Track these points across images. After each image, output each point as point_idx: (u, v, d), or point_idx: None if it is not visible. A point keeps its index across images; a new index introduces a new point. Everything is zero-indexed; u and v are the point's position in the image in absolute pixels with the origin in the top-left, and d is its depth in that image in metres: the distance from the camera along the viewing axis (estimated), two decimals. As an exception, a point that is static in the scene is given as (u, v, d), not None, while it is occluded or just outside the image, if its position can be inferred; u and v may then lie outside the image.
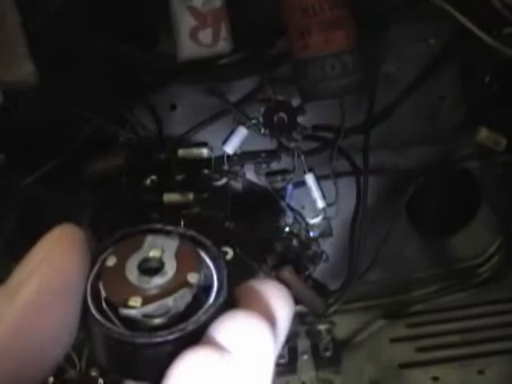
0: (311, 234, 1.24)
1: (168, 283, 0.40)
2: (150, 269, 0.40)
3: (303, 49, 1.04)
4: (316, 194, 1.20)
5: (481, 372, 1.12)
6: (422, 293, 1.31)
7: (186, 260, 0.41)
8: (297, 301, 1.19)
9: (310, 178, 1.21)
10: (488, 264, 1.31)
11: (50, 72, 0.98)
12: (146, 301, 0.38)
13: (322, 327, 1.16)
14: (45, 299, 0.36)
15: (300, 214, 1.24)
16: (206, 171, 1.20)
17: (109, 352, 0.40)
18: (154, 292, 0.39)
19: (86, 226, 1.17)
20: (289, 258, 1.22)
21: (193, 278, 0.40)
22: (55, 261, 0.36)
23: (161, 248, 0.41)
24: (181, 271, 0.40)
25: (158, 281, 0.40)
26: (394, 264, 1.32)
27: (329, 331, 1.15)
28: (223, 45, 1.02)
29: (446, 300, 1.29)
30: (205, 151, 1.19)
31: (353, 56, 1.04)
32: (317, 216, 1.23)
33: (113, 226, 1.22)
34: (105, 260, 0.41)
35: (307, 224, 1.24)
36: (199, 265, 0.41)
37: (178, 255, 0.41)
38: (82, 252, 0.39)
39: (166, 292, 0.39)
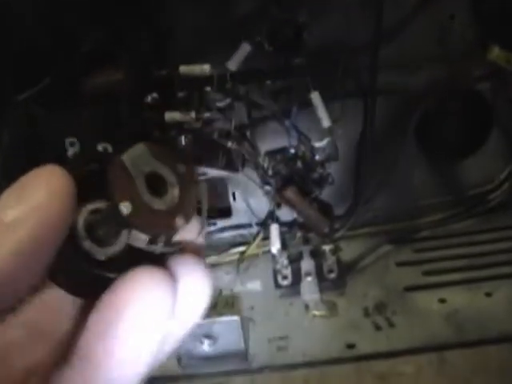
0: (317, 157, 1.19)
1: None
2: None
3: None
4: (321, 112, 1.15)
5: (488, 294, 1.08)
6: (429, 219, 1.27)
7: None
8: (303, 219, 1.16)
9: (315, 97, 1.16)
10: (497, 191, 1.27)
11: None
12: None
13: (326, 247, 1.12)
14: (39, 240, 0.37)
15: (305, 136, 1.19)
16: (208, 89, 1.14)
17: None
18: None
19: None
20: (293, 180, 1.18)
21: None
22: (48, 210, 0.36)
23: None
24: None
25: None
26: (401, 190, 1.28)
27: (333, 252, 1.12)
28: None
29: (454, 227, 1.25)
30: (207, 68, 1.14)
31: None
32: (322, 139, 1.18)
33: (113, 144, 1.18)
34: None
35: (313, 147, 1.19)
36: None
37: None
38: (71, 201, 0.38)
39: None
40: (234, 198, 1.31)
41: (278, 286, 1.15)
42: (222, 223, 1.32)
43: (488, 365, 0.96)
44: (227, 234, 1.31)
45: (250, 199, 1.28)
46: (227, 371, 1.00)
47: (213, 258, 1.26)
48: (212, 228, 1.32)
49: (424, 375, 0.98)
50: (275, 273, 1.14)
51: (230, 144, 1.13)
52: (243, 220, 1.30)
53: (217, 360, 1.00)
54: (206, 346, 1.00)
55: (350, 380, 0.98)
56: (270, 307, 1.14)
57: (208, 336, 1.00)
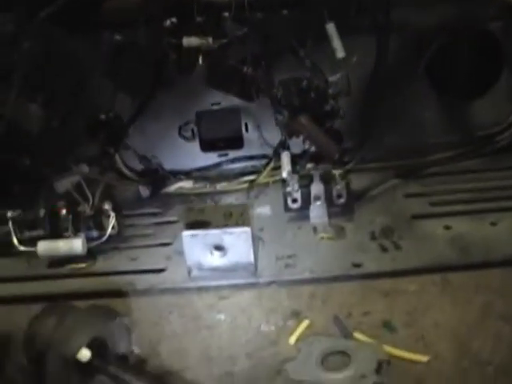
0: (330, 90, 1.22)
1: None
2: None
3: None
4: (336, 43, 1.18)
5: (493, 224, 1.11)
6: (438, 157, 1.29)
7: None
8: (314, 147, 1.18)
9: (331, 28, 1.18)
10: (506, 132, 1.28)
11: None
12: None
13: (336, 172, 1.14)
14: None
15: (319, 69, 1.21)
16: (226, 14, 1.17)
17: None
18: None
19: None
20: (306, 110, 1.21)
21: None
22: None
23: None
24: None
25: None
26: (411, 127, 1.30)
27: (343, 177, 1.14)
28: None
29: (462, 165, 1.27)
30: None
31: None
32: (336, 73, 1.21)
33: (129, 70, 1.21)
34: None
35: (326, 80, 1.22)
36: None
37: None
38: None
39: None
40: (247, 129, 1.33)
41: (287, 209, 1.17)
42: (233, 154, 1.33)
43: (490, 286, 0.98)
44: (239, 165, 1.33)
45: (262, 130, 1.30)
46: (235, 284, 1.02)
47: (223, 185, 1.28)
48: (223, 158, 1.34)
49: (427, 294, 1.01)
50: (285, 196, 1.17)
51: (245, 69, 1.13)
52: (255, 151, 1.32)
53: (226, 272, 1.02)
54: (215, 258, 1.02)
55: (355, 296, 1.01)
56: (279, 229, 1.17)
57: (218, 247, 1.02)
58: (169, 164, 1.34)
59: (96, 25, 1.21)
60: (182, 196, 1.30)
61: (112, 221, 1.09)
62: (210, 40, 1.18)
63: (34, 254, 1.16)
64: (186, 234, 1.00)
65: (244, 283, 1.04)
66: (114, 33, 1.22)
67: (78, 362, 0.78)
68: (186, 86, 1.27)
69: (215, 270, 1.03)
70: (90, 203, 1.12)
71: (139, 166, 1.33)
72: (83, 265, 1.12)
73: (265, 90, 1.22)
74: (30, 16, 1.11)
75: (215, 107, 1.31)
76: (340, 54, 1.17)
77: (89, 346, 0.79)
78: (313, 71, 1.22)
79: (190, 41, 1.18)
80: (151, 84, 1.25)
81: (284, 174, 1.17)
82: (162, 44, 1.21)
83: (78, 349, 0.78)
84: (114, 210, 1.10)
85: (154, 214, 1.25)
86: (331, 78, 1.22)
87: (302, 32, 1.22)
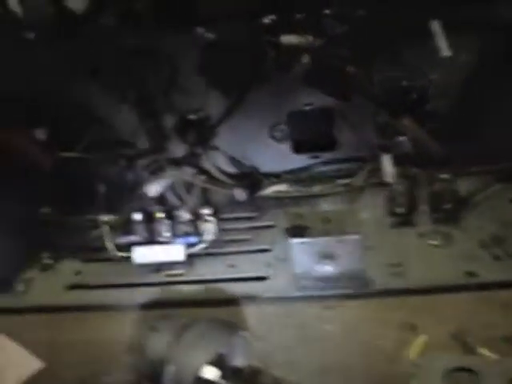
0: (431, 90, 1.16)
1: None
2: None
3: None
4: (441, 42, 1.12)
5: None
6: None
7: None
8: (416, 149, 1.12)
9: (435, 26, 1.12)
10: None
11: None
12: None
13: (443, 176, 1.08)
14: None
15: (421, 69, 1.15)
16: (327, 11, 1.11)
17: None
18: None
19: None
20: (407, 111, 1.15)
21: None
22: None
23: None
24: None
25: None
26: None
27: (450, 182, 1.08)
28: None
29: None
30: None
31: None
32: (438, 73, 1.15)
33: (223, 68, 1.15)
34: None
35: (429, 80, 1.15)
36: None
37: None
38: None
39: None
40: (341, 130, 1.27)
41: (392, 213, 1.11)
42: (325, 156, 1.27)
43: None
44: (331, 168, 1.27)
45: (356, 132, 1.24)
46: (343, 294, 0.97)
47: (318, 188, 1.22)
48: (316, 160, 1.28)
49: None
50: (390, 201, 1.11)
51: (348, 68, 1.08)
52: (348, 153, 1.26)
53: (333, 281, 0.96)
54: (324, 267, 0.97)
55: (472, 307, 0.96)
56: (383, 235, 1.11)
57: (327, 256, 0.97)
58: (258, 166, 1.26)
59: (190, 21, 1.14)
60: (276, 199, 1.22)
61: (212, 226, 1.03)
62: (310, 38, 1.10)
63: (127, 260, 1.08)
64: (295, 241, 0.94)
65: (352, 293, 0.97)
66: (208, 30, 1.15)
67: (200, 379, 0.73)
68: (279, 86, 1.20)
69: (322, 278, 0.96)
70: (188, 207, 1.05)
71: (229, 168, 1.25)
72: (180, 271, 1.06)
73: (365, 90, 1.15)
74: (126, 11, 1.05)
75: (308, 107, 1.24)
76: (445, 52, 1.11)
77: (211, 362, 0.73)
78: (415, 71, 1.14)
79: (289, 38, 1.12)
80: (245, 83, 1.18)
81: (388, 178, 1.11)
82: (258, 41, 1.14)
83: (201, 365, 0.72)
84: (214, 214, 1.03)
85: (249, 218, 1.19)
86: (433, 78, 1.14)
87: (404, 30, 1.13)
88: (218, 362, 0.77)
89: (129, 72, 1.18)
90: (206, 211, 1.06)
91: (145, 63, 1.20)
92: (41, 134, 1.07)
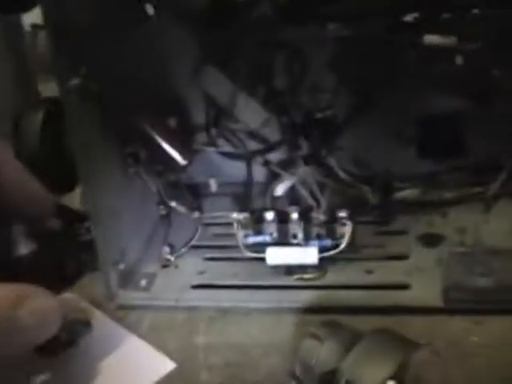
0: None
1: None
2: None
3: None
4: None
5: None
6: None
7: None
8: None
9: None
10: None
11: None
12: None
13: None
14: None
15: None
16: (475, 11, 1.05)
17: None
18: None
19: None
20: None
21: None
22: None
23: None
24: None
25: None
26: None
27: None
28: None
29: None
30: None
31: None
32: None
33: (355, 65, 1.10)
34: None
35: None
36: None
37: None
38: None
39: None
40: (472, 136, 1.20)
41: None
42: (454, 162, 1.21)
43: None
44: (460, 175, 1.21)
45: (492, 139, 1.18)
46: (496, 308, 0.91)
47: (449, 195, 1.16)
48: (442, 167, 1.22)
49: None
50: None
51: (493, 71, 1.02)
52: (479, 160, 1.19)
53: (486, 295, 0.90)
54: (477, 279, 0.91)
55: None
56: None
57: (481, 267, 0.91)
58: (385, 169, 1.20)
59: (322, 17, 1.09)
60: (404, 205, 1.16)
61: (348, 230, 0.97)
62: (455, 39, 1.04)
63: (257, 261, 1.04)
64: (452, 251, 0.88)
65: (507, 308, 0.91)
66: (344, 26, 1.09)
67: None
68: (411, 87, 1.14)
69: (475, 291, 0.90)
70: (322, 209, 1.00)
71: (356, 170, 1.19)
72: (312, 275, 1.00)
73: (507, 95, 1.09)
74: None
75: (438, 111, 1.18)
76: None
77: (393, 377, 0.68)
78: None
79: (431, 38, 1.06)
80: (376, 83, 1.12)
81: None
82: (396, 40, 1.08)
83: (384, 380, 0.67)
84: (350, 218, 0.98)
85: (380, 223, 1.12)
86: None
87: None
88: (398, 377, 0.70)
89: (260, 65, 1.12)
90: (342, 214, 0.99)
91: (277, 57, 1.13)
92: (172, 122, 1.02)
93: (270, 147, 1.15)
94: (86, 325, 0.89)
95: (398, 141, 1.23)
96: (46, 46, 0.88)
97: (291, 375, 0.79)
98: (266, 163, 1.09)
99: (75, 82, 0.89)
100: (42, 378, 0.85)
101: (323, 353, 0.76)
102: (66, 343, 0.86)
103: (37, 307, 0.66)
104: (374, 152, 1.22)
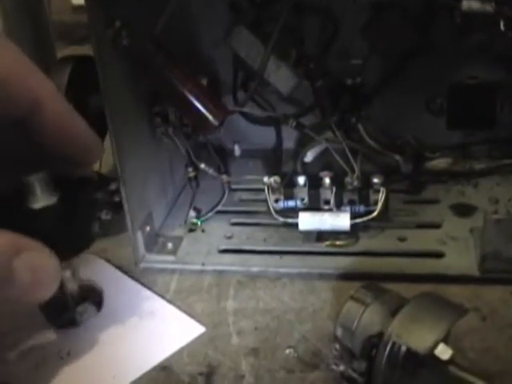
0: None
1: None
2: None
3: None
4: None
5: None
6: None
7: None
8: None
9: None
10: None
11: None
12: None
13: None
14: None
15: None
16: None
17: None
18: None
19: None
20: None
21: None
22: None
23: None
24: None
25: None
26: None
27: None
28: None
29: None
30: None
31: None
32: None
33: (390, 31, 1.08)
34: None
35: None
36: None
37: None
38: None
39: None
40: (502, 109, 1.18)
41: None
42: (482, 135, 1.19)
43: None
44: (488, 147, 1.19)
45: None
46: None
47: (479, 166, 1.14)
48: (471, 138, 1.19)
49: None
50: None
51: None
52: (506, 134, 1.17)
53: None
54: None
55: None
56: None
57: None
58: (414, 139, 1.18)
59: None
60: (435, 175, 1.14)
61: (382, 197, 0.95)
62: (494, 5, 1.01)
63: (287, 226, 1.01)
64: (488, 218, 0.86)
65: None
66: None
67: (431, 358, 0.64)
68: (444, 56, 1.11)
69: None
70: (355, 175, 0.97)
71: (383, 138, 1.16)
72: (344, 242, 0.98)
73: None
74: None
75: (471, 81, 1.15)
76: None
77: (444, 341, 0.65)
78: None
79: (470, 4, 1.03)
80: (409, 50, 1.10)
81: None
82: (432, 5, 1.05)
83: (435, 343, 0.64)
84: (384, 184, 0.95)
85: (411, 192, 1.10)
86: None
87: None
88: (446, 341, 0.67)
89: (291, 29, 1.09)
90: (375, 180, 0.97)
91: (308, 22, 1.10)
92: (204, 81, 0.99)
93: (302, 112, 1.11)
94: (95, 305, 0.86)
95: (428, 111, 1.19)
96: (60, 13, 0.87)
97: (333, 338, 0.76)
98: (299, 126, 1.04)
99: (109, 33, 0.86)
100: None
101: (367, 316, 0.74)
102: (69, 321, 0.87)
103: (34, 263, 0.59)
104: (404, 121, 1.18)
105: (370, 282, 0.82)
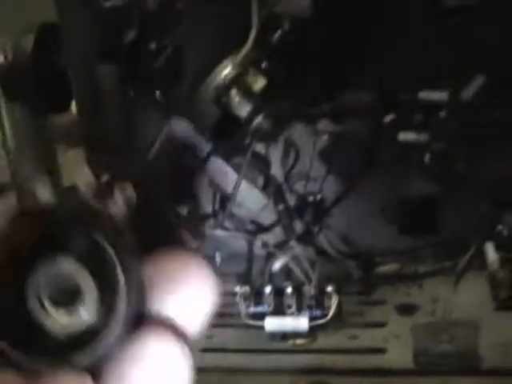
0: None
1: None
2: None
3: None
4: None
5: None
6: None
7: None
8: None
9: None
10: None
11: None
12: None
13: None
14: None
15: None
16: (442, 113, 1.28)
17: None
18: None
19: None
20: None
21: None
22: None
23: None
24: None
25: None
26: None
27: None
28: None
29: None
30: (445, 95, 1.28)
31: None
32: None
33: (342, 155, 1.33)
34: None
35: None
36: None
37: None
38: None
39: None
40: (445, 216, 1.43)
41: (495, 298, 1.27)
42: (429, 238, 1.44)
43: None
44: (434, 250, 1.43)
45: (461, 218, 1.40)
46: (459, 370, 1.12)
47: (424, 269, 1.38)
48: (419, 242, 1.44)
49: None
50: (493, 286, 1.26)
51: (459, 165, 1.25)
52: (451, 237, 1.42)
53: (450, 359, 1.11)
54: (442, 345, 1.12)
55: None
56: (489, 317, 1.25)
57: (444, 335, 1.12)
58: (369, 245, 1.42)
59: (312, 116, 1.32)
60: (384, 277, 1.38)
61: (335, 302, 1.19)
62: (426, 136, 1.27)
63: (256, 328, 1.25)
64: (421, 322, 1.10)
65: (467, 370, 1.12)
66: (333, 122, 1.33)
67: None
68: (391, 174, 1.37)
69: (440, 356, 1.12)
70: (312, 284, 1.21)
71: (342, 247, 1.41)
72: (304, 341, 1.21)
73: (471, 183, 1.32)
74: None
75: (417, 194, 1.40)
76: None
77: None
78: None
79: (406, 136, 1.29)
80: (360, 171, 1.35)
81: (491, 265, 1.26)
82: (377, 136, 1.31)
83: None
84: (336, 291, 1.19)
85: (362, 294, 1.34)
86: None
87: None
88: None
89: (259, 158, 1.34)
90: (329, 288, 1.21)
91: (273, 151, 1.36)
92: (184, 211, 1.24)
93: (267, 229, 1.36)
94: None
95: (380, 220, 1.44)
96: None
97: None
98: (264, 245, 1.29)
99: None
100: None
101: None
102: None
103: None
104: (359, 230, 1.43)
105: (320, 379, 1.05)
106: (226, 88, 1.15)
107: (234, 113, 1.15)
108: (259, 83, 1.15)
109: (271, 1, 1.12)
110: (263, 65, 1.17)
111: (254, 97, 1.21)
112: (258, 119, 1.17)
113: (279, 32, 1.16)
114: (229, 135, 1.19)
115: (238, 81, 1.15)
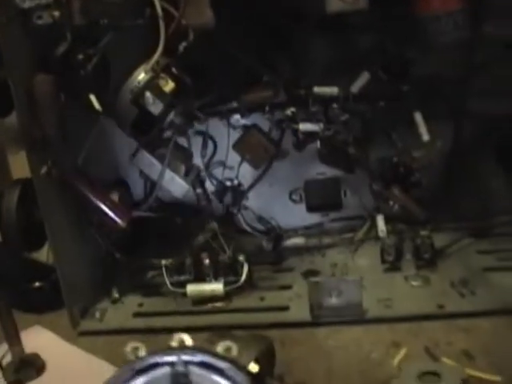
0: (414, 165, 1.58)
1: None
2: None
3: (424, 7, 1.40)
4: (422, 129, 1.54)
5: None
6: (505, 219, 1.65)
7: None
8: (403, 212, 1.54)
9: (418, 116, 1.55)
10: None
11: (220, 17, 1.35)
12: None
13: (423, 233, 1.50)
14: None
15: (407, 149, 1.58)
16: (334, 106, 1.55)
17: None
18: None
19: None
20: (396, 181, 1.58)
21: None
22: None
23: None
24: None
25: None
26: (482, 195, 1.65)
27: (429, 237, 1.49)
28: (362, 3, 1.40)
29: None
30: (335, 90, 1.54)
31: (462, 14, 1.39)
32: (420, 151, 1.57)
33: (253, 145, 1.59)
34: None
35: (413, 158, 1.58)
36: None
37: None
38: None
39: None
40: (345, 195, 1.70)
41: (383, 261, 1.53)
42: (333, 215, 1.71)
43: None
44: (338, 224, 1.70)
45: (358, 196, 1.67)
46: (346, 320, 1.37)
47: (328, 241, 1.65)
48: (325, 218, 1.71)
49: (500, 330, 1.33)
50: (382, 251, 1.52)
51: (351, 150, 1.51)
52: (351, 213, 1.69)
53: (339, 311, 1.37)
54: (333, 299, 1.38)
55: (440, 331, 1.34)
56: (377, 278, 1.52)
57: (335, 292, 1.37)
58: (280, 222, 1.69)
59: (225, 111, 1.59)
60: (294, 249, 1.64)
61: (245, 269, 1.44)
62: (321, 125, 1.54)
63: (180, 294, 1.52)
64: (312, 280, 1.36)
65: (352, 320, 1.39)
66: (243, 117, 1.58)
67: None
68: (297, 160, 1.64)
69: (331, 308, 1.37)
70: (227, 254, 1.47)
71: (257, 225, 1.68)
72: (221, 303, 1.49)
73: (363, 165, 1.58)
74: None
75: (320, 177, 1.67)
76: (425, 137, 1.53)
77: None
78: (402, 150, 1.57)
79: (305, 126, 1.55)
80: (270, 159, 1.62)
81: (381, 234, 1.53)
82: (281, 127, 1.58)
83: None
84: (247, 260, 1.45)
85: (274, 263, 1.61)
86: (416, 155, 1.57)
87: (394, 119, 1.56)
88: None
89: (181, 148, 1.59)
90: (242, 258, 1.46)
91: (194, 142, 1.61)
92: (116, 195, 1.49)
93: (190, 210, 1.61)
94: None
95: (290, 200, 1.71)
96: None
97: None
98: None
99: (43, 169, 1.35)
100: None
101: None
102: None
103: None
104: (272, 210, 1.70)
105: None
106: (141, 90, 1.36)
107: (149, 111, 1.37)
108: (169, 85, 1.38)
109: (178, 15, 1.34)
110: (173, 70, 1.39)
111: (165, 97, 1.41)
112: (170, 116, 1.40)
113: (185, 42, 1.37)
114: (146, 130, 1.42)
115: (151, 84, 1.37)
